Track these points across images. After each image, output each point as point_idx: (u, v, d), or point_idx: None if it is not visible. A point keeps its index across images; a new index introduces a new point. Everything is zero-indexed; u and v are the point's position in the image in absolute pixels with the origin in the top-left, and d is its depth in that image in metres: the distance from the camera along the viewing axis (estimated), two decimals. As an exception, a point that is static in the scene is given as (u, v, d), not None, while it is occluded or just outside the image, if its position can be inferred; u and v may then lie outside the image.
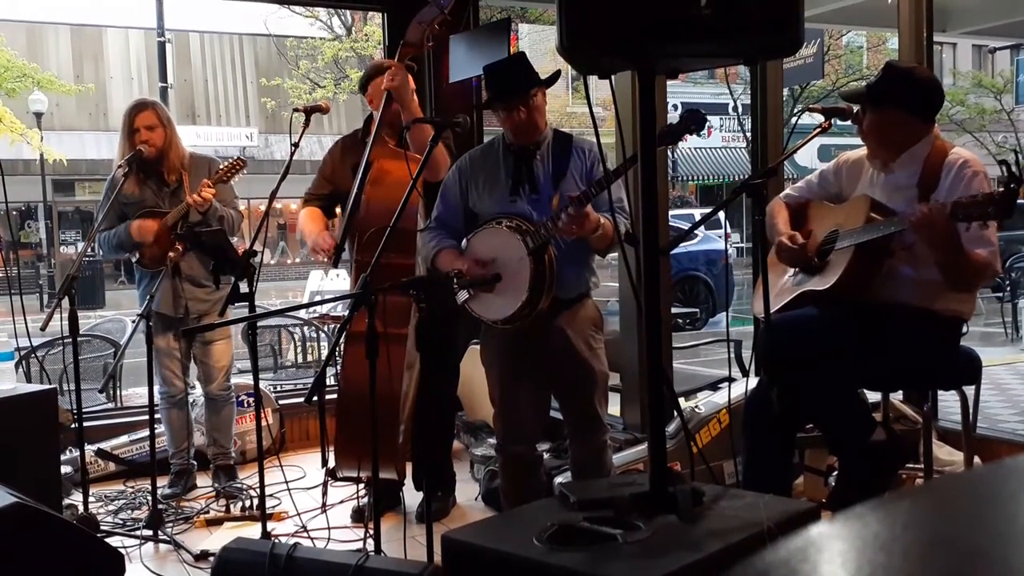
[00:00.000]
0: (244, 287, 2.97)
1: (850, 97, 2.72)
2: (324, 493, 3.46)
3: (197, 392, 4.20)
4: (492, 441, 4.15)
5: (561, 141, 2.87)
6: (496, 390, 2.96)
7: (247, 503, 3.59)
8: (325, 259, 3.37)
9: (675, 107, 20.97)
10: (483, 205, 2.87)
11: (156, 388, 3.69)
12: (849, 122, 2.69)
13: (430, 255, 2.91)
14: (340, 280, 4.04)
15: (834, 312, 2.59)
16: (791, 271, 2.79)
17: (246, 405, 4.33)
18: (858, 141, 2.83)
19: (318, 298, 3.99)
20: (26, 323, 3.38)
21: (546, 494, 2.97)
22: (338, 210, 3.58)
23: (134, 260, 3.85)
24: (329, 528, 3.21)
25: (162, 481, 3.82)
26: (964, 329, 2.69)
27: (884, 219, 2.50)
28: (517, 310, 2.71)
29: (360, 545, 2.90)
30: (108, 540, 2.84)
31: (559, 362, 2.85)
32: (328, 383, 3.50)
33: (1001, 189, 2.17)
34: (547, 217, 2.70)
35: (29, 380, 4.67)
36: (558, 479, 3.30)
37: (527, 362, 2.87)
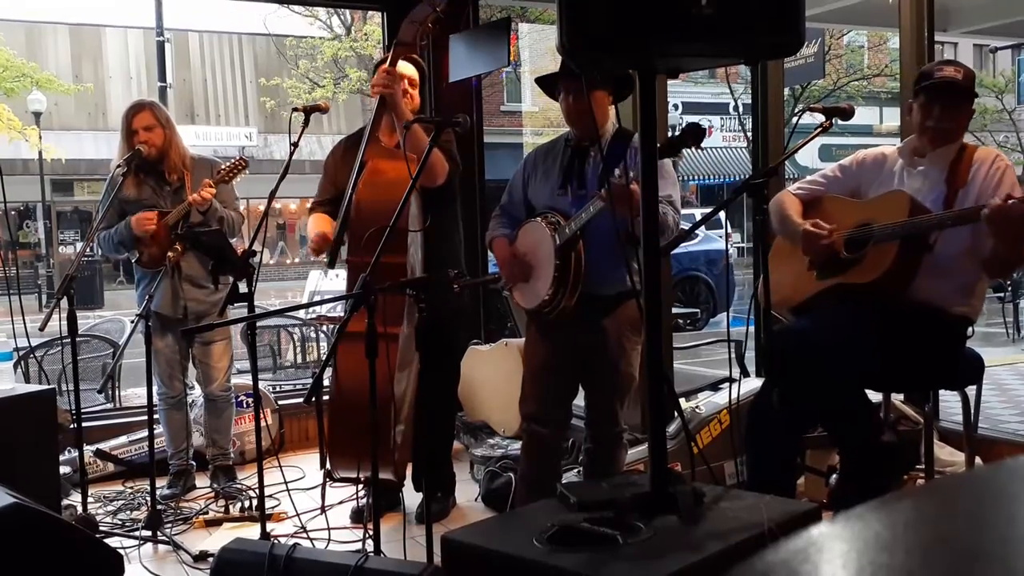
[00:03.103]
0: (243, 287, 2.97)
1: (959, 88, 2.68)
2: (323, 494, 3.46)
3: (196, 393, 4.20)
4: (492, 441, 4.16)
5: (620, 139, 2.91)
6: (526, 372, 3.12)
7: (246, 504, 3.59)
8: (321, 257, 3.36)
9: (675, 107, 21.00)
10: (536, 197, 3.05)
11: (155, 389, 3.69)
12: (934, 115, 2.66)
13: (488, 240, 3.20)
14: (339, 280, 4.04)
15: (844, 311, 2.59)
16: (805, 263, 2.78)
17: (245, 405, 4.33)
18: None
19: (317, 298, 3.99)
20: (25, 323, 3.38)
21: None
22: None
23: (133, 260, 3.85)
24: (328, 529, 3.20)
25: (161, 482, 3.81)
26: (970, 332, 2.70)
27: (940, 212, 2.52)
28: (540, 304, 2.92)
29: (359, 546, 2.89)
30: (107, 541, 2.84)
31: (589, 357, 2.98)
32: (328, 384, 3.49)
33: None
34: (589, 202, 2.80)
35: (28, 380, 4.67)
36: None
37: (560, 351, 3.01)
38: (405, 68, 3.32)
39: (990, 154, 2.66)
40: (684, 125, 2.32)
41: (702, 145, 2.37)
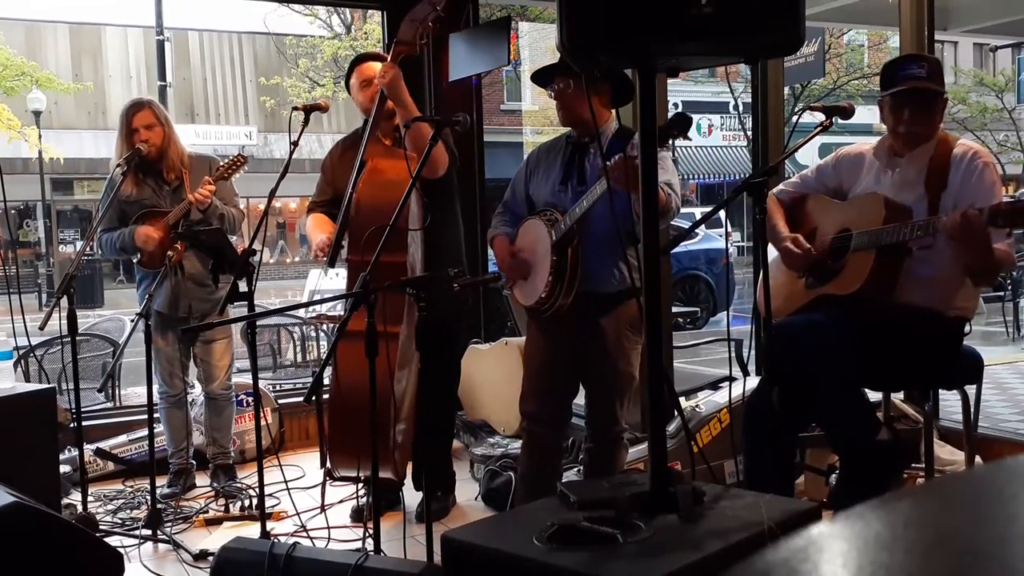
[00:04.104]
0: (243, 286, 2.96)
1: (926, 91, 2.59)
2: (323, 493, 3.46)
3: (196, 391, 4.20)
4: (492, 440, 4.16)
5: (621, 136, 2.91)
6: (527, 370, 3.13)
7: (246, 502, 3.59)
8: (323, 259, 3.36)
9: (675, 105, 21.00)
10: (538, 193, 3.06)
11: (156, 387, 3.68)
12: (904, 119, 2.58)
13: (489, 237, 3.20)
14: (339, 280, 4.04)
15: (839, 313, 2.58)
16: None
17: (245, 404, 4.33)
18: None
19: (317, 297, 3.98)
20: (25, 322, 3.38)
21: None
22: None
23: (135, 260, 3.84)
24: (328, 528, 3.20)
25: (161, 481, 3.81)
26: (967, 329, 2.68)
27: (909, 222, 2.46)
28: (537, 301, 2.93)
29: (359, 545, 2.89)
30: (107, 540, 2.83)
31: (588, 356, 2.98)
32: (327, 383, 3.50)
33: None
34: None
35: (28, 379, 4.66)
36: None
37: (560, 350, 3.01)
38: (377, 68, 3.30)
39: (967, 152, 2.57)
40: (671, 115, 2.32)
41: (689, 135, 2.38)
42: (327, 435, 3.18)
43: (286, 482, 3.43)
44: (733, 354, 3.77)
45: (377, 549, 2.53)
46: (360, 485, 3.52)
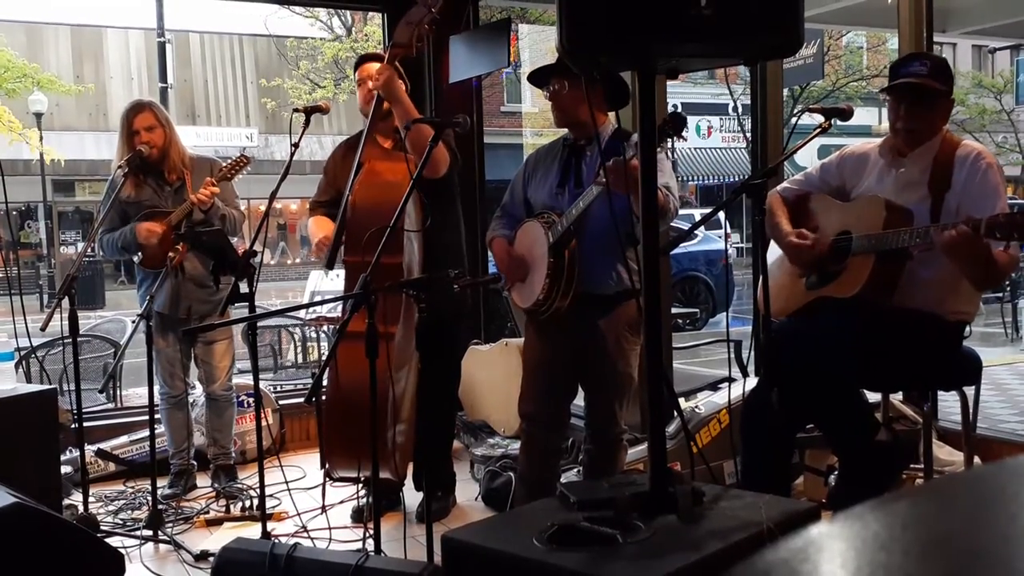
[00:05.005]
0: (244, 287, 2.97)
1: (922, 89, 2.57)
2: (324, 493, 3.46)
3: (197, 392, 4.20)
4: (492, 441, 4.16)
5: (617, 138, 2.91)
6: (526, 371, 3.14)
7: (247, 503, 3.59)
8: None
9: (675, 107, 20.99)
10: (536, 196, 3.07)
11: (157, 388, 3.69)
12: (900, 116, 2.57)
13: (488, 240, 3.22)
14: (339, 281, 4.04)
15: (839, 315, 2.57)
16: (796, 271, 2.76)
17: (246, 405, 4.33)
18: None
19: (317, 298, 3.99)
20: (26, 323, 3.38)
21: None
22: None
23: (136, 261, 3.85)
24: (329, 528, 3.21)
25: (162, 481, 3.81)
26: (967, 332, 2.68)
27: (907, 229, 2.46)
28: (535, 303, 2.93)
29: (360, 545, 2.90)
30: (108, 540, 2.84)
31: (587, 357, 2.98)
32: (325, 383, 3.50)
33: None
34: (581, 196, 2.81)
35: (29, 380, 4.67)
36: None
37: (559, 351, 3.01)
38: (375, 69, 3.31)
39: (971, 152, 2.55)
40: (666, 115, 2.32)
41: (684, 135, 2.39)
42: (325, 437, 3.18)
43: (287, 483, 3.44)
44: (732, 355, 3.77)
45: (377, 549, 2.53)
46: (360, 486, 3.53)
